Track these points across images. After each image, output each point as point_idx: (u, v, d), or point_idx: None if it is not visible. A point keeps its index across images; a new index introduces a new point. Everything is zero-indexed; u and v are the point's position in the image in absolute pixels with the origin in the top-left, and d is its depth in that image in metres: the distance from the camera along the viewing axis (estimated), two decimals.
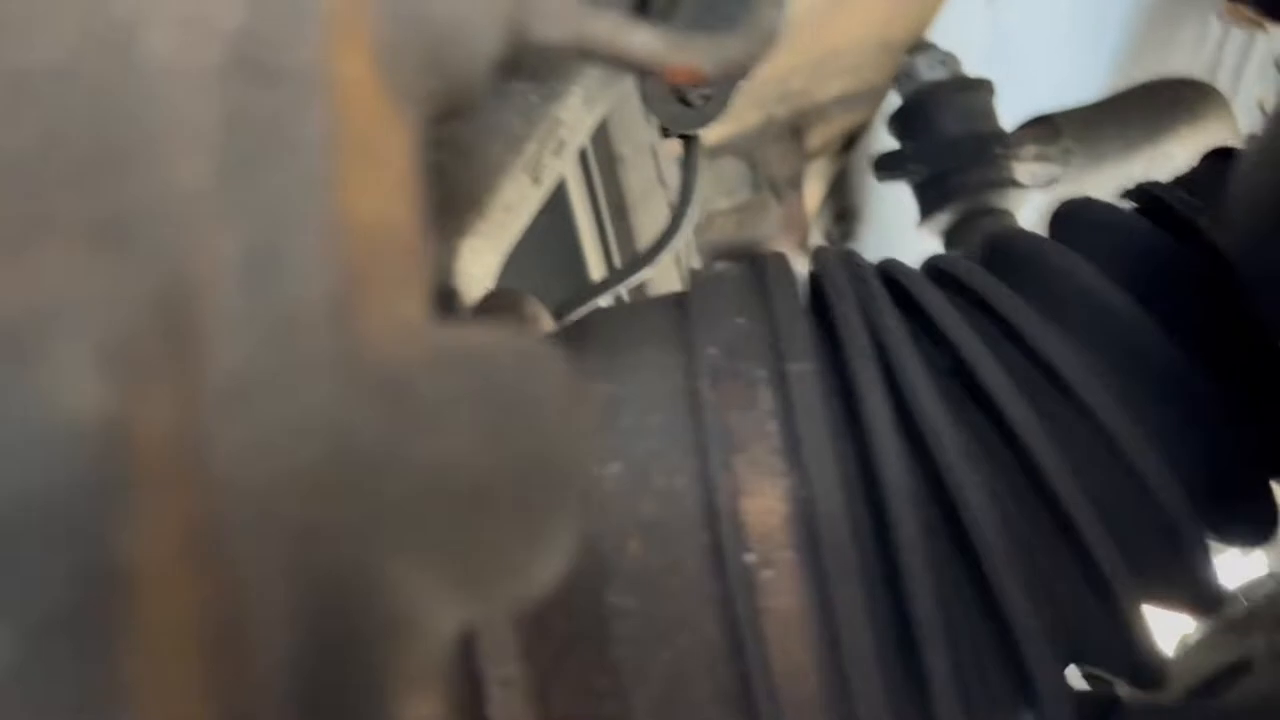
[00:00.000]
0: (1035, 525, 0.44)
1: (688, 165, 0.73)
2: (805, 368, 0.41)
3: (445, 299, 0.57)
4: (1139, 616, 0.44)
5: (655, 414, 0.42)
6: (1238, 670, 0.53)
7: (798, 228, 2.95)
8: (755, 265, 0.49)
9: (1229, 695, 0.50)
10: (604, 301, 0.75)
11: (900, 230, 1.25)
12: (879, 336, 0.46)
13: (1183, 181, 0.51)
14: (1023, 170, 0.79)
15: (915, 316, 0.48)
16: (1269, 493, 0.45)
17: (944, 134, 0.77)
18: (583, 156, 0.79)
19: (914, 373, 0.43)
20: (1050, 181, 0.87)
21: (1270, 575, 0.73)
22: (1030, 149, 0.79)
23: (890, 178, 0.80)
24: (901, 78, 0.82)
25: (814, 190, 2.23)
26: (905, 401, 0.43)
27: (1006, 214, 0.77)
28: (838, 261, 0.50)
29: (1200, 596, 0.45)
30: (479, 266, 0.62)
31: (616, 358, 0.44)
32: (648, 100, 0.70)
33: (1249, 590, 0.69)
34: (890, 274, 0.52)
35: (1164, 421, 0.44)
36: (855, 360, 0.42)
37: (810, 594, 0.40)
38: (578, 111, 0.65)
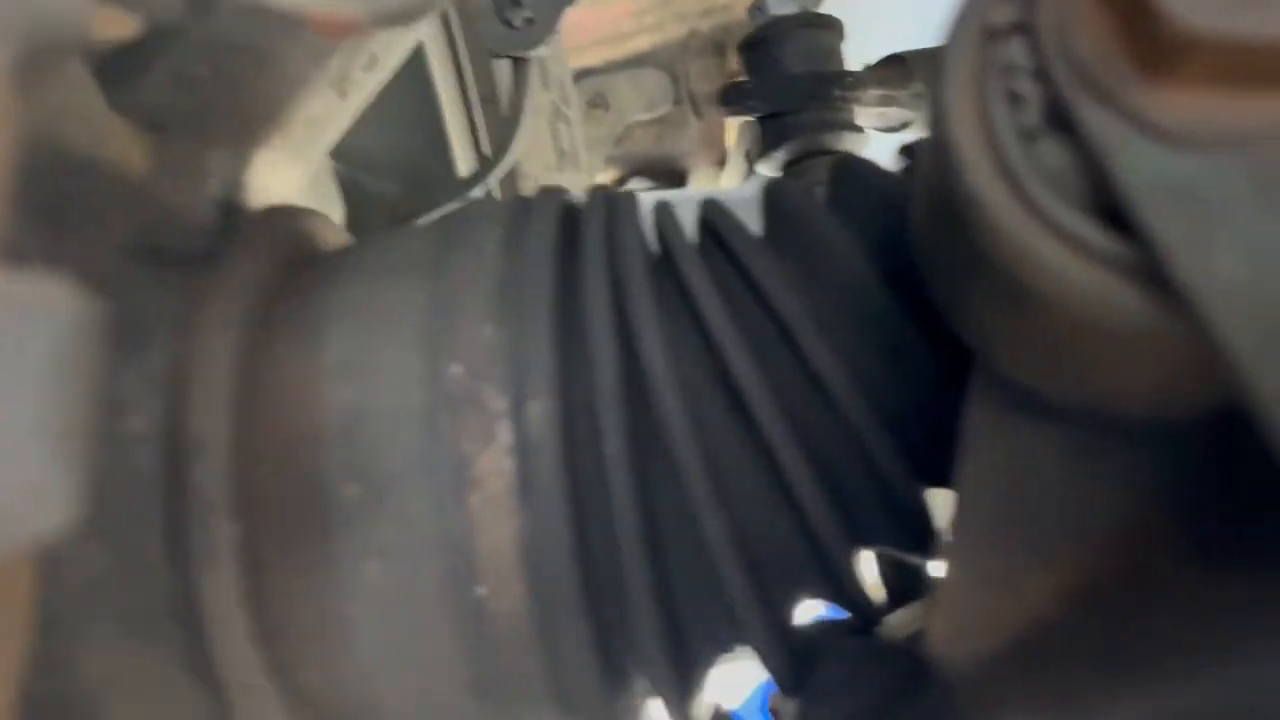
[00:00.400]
0: (770, 507, 0.47)
1: (517, 86, 0.72)
2: (544, 406, 0.42)
3: (225, 212, 0.57)
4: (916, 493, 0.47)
5: (395, 435, 0.43)
6: None
7: (716, 145, 2.92)
8: (520, 226, 0.49)
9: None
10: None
11: None
12: (625, 311, 0.47)
13: None
14: (867, 113, 0.79)
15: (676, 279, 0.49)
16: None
17: (785, 71, 0.77)
18: (453, 52, 0.77)
19: (660, 382, 0.45)
20: (904, 124, 0.87)
21: None
22: (874, 92, 0.79)
23: (734, 112, 0.80)
24: (753, 9, 0.82)
25: None
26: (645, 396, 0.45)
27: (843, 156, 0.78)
28: (598, 228, 0.50)
29: (914, 539, 0.48)
30: (277, 181, 0.61)
31: (359, 351, 0.45)
32: (469, 20, 0.70)
33: None
34: (660, 228, 0.53)
35: (885, 382, 0.46)
36: (600, 395, 0.44)
37: (537, 620, 0.43)
38: None
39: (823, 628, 0.49)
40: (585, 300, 0.47)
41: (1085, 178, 0.29)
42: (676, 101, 2.36)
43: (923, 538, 0.48)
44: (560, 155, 0.87)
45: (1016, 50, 0.30)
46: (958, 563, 0.37)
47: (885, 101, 0.81)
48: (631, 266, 0.48)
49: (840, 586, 0.48)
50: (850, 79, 0.77)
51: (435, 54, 0.70)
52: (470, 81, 0.72)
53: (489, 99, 0.72)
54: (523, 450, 0.41)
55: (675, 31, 2.18)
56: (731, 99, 0.80)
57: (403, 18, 0.33)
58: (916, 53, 0.86)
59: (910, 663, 0.42)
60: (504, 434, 0.42)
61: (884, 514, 0.48)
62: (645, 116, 2.32)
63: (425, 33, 0.68)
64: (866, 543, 0.50)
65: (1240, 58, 0.26)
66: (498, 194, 0.82)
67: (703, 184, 2.84)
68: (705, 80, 2.37)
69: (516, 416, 0.43)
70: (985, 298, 0.33)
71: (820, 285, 0.49)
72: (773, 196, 0.54)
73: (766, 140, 0.79)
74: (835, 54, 0.79)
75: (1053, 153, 0.29)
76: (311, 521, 0.44)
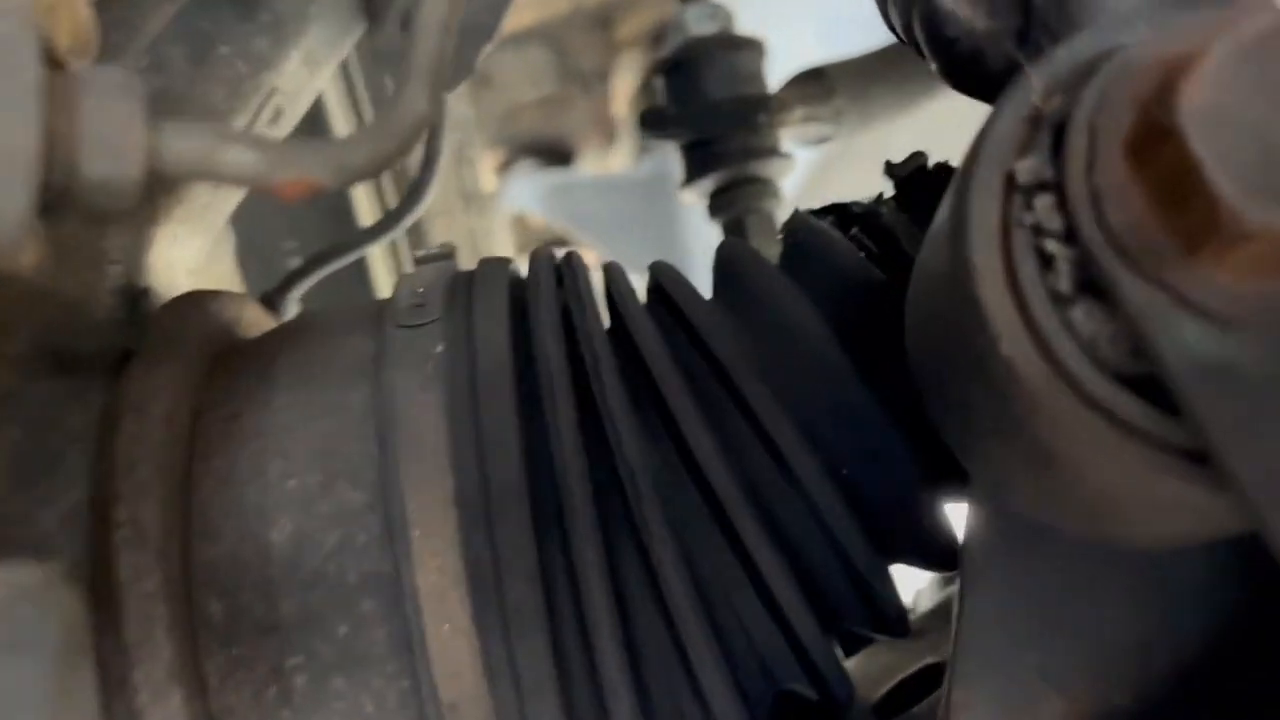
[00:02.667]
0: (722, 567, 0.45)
1: (431, 133, 0.68)
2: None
3: (132, 299, 0.52)
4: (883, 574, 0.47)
5: (344, 570, 0.40)
6: (929, 677, 0.55)
7: (605, 123, 2.87)
8: (467, 336, 0.46)
9: (916, 710, 0.52)
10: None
11: None
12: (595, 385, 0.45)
13: (910, 189, 0.50)
14: (790, 133, 0.77)
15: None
16: (937, 516, 0.47)
17: (708, 97, 0.75)
18: (353, 100, 0.73)
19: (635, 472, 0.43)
20: (821, 140, 0.86)
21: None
22: (798, 111, 0.77)
23: (656, 136, 0.77)
24: (671, 29, 0.79)
25: (625, 84, 2.18)
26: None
27: (769, 184, 0.76)
28: (548, 293, 0.48)
29: (883, 619, 0.47)
30: (181, 252, 0.56)
31: (304, 483, 0.41)
32: (370, 65, 0.65)
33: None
34: (610, 291, 0.50)
35: (854, 468, 0.45)
36: (571, 521, 0.42)
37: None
38: (298, 75, 0.59)
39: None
40: (551, 421, 0.44)
41: (1123, 346, 0.28)
42: (563, 80, 2.31)
43: (892, 617, 0.48)
44: (465, 199, 0.83)
45: (1044, 209, 0.28)
46: (969, 688, 0.37)
47: (808, 120, 0.80)
48: (602, 367, 0.46)
49: (815, 673, 0.47)
50: (774, 102, 0.75)
51: (335, 102, 0.65)
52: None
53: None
54: (478, 577, 0.39)
55: (559, 4, 2.12)
56: (652, 124, 0.77)
57: (370, 173, 0.29)
58: (836, 66, 0.85)
59: None
60: (452, 564, 0.39)
61: (853, 595, 0.47)
62: (531, 95, 2.27)
63: (325, 86, 0.63)
64: (840, 626, 0.49)
65: None
66: (404, 244, 0.78)
67: (592, 163, 2.80)
68: (591, 56, 2.32)
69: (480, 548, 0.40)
70: (1008, 451, 0.32)
71: (783, 365, 0.48)
72: (727, 266, 0.52)
73: (691, 168, 0.77)
74: (757, 76, 0.77)
75: (1087, 318, 0.28)
76: (257, 652, 0.41)
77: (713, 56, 0.75)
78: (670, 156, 0.90)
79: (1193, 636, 0.35)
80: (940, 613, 0.62)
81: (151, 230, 0.53)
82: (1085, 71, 0.30)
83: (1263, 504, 0.26)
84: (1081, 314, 0.28)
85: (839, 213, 0.52)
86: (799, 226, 0.51)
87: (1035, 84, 0.30)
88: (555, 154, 2.39)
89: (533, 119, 2.26)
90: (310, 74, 0.60)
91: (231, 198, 0.59)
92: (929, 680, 0.55)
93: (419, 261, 0.49)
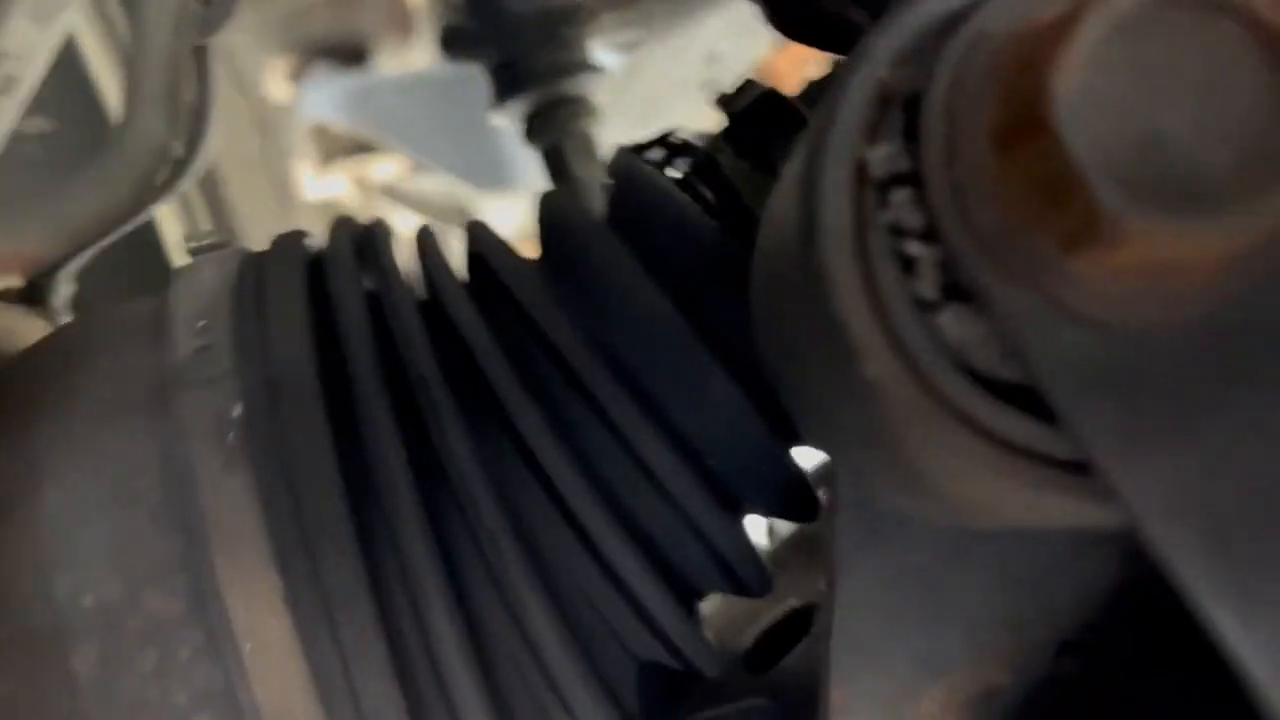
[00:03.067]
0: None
1: (200, 78, 0.60)
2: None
3: None
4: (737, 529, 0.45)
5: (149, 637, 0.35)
6: (796, 622, 0.54)
7: (401, 20, 2.68)
8: (258, 333, 0.40)
9: (786, 661, 0.51)
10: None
11: None
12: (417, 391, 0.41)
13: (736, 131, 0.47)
14: (600, 42, 0.72)
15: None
16: (787, 466, 0.45)
17: (509, 11, 0.68)
18: (114, 41, 0.63)
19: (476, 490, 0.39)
20: (633, 45, 0.81)
21: None
22: (606, 18, 0.72)
23: (460, 58, 0.70)
24: None
25: None
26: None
27: (582, 102, 0.71)
28: (354, 293, 0.43)
29: (741, 580, 0.46)
30: None
31: (91, 540, 0.35)
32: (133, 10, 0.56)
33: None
34: (428, 273, 0.46)
35: (685, 418, 0.43)
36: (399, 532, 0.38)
37: None
38: (28, 35, 0.50)
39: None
40: (365, 419, 0.40)
41: (995, 350, 0.25)
42: None
43: (752, 580, 0.47)
44: (258, 125, 0.74)
45: (902, 204, 0.25)
46: (845, 687, 0.35)
47: (620, 24, 0.74)
48: (417, 354, 0.41)
49: (671, 646, 0.45)
50: (581, 14, 0.69)
51: (91, 46, 0.56)
52: None
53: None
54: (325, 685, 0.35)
55: None
56: (453, 43, 0.70)
57: (111, 228, 0.23)
58: None
59: None
60: (294, 675, 0.35)
61: (706, 561, 0.46)
62: None
63: (75, 23, 0.54)
64: (699, 591, 0.48)
65: (1177, 254, 0.22)
66: (197, 199, 0.70)
67: (389, 63, 2.65)
68: None
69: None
70: (875, 459, 0.29)
71: (617, 332, 0.44)
72: (552, 229, 0.48)
73: (499, 90, 0.71)
74: None
75: (955, 323, 0.25)
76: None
77: None
78: None
79: (1066, 606, 0.34)
80: (799, 546, 0.61)
81: None
82: (938, 34, 0.26)
83: (1149, 518, 0.24)
84: (949, 319, 0.25)
85: (669, 150, 0.48)
86: (628, 174, 0.47)
87: (880, 53, 0.26)
88: (350, 54, 2.24)
89: (322, 18, 2.10)
90: (41, 28, 0.51)
91: None
92: (796, 625, 0.54)
93: (191, 253, 0.42)
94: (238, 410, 0.36)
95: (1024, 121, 0.22)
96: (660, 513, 0.44)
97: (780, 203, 0.31)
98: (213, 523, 0.35)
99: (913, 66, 0.26)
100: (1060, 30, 0.22)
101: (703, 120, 0.50)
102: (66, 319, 0.62)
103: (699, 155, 0.45)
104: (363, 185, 2.35)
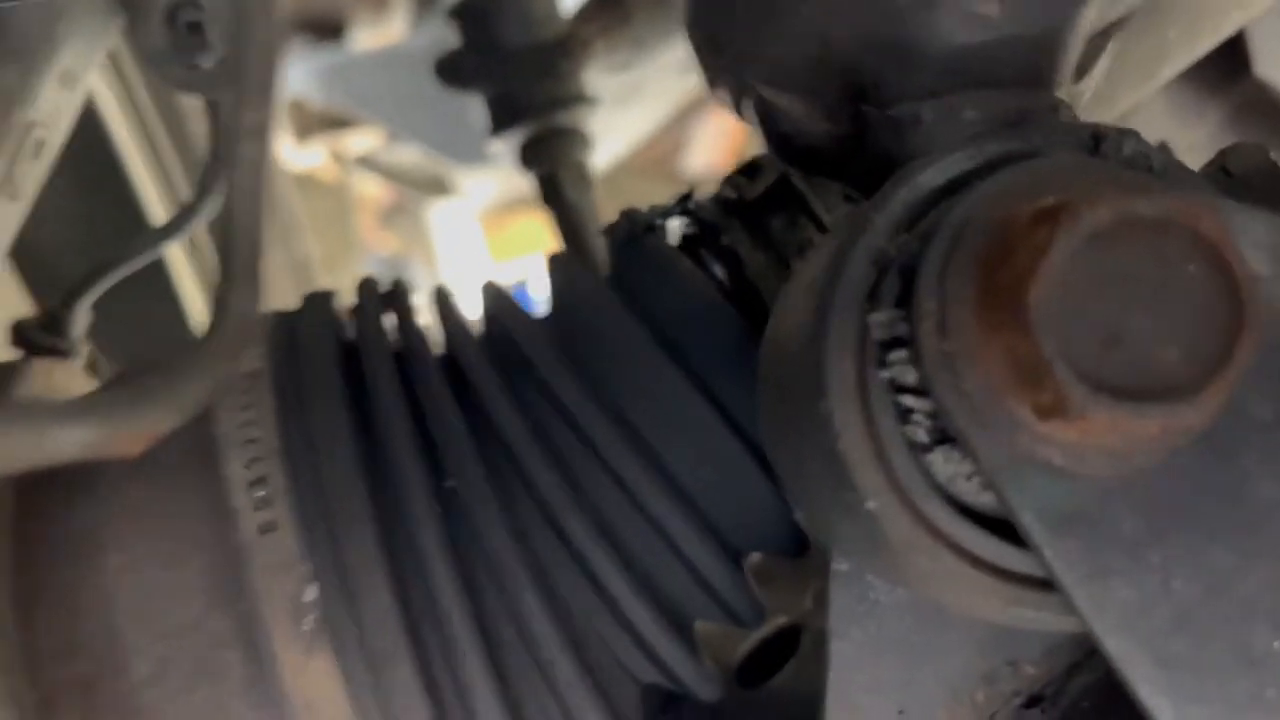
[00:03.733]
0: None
1: (214, 127, 0.62)
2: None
3: None
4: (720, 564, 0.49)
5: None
6: (786, 640, 0.59)
7: None
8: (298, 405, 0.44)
9: (777, 680, 0.56)
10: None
11: None
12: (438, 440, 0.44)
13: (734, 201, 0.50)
14: (594, 71, 0.74)
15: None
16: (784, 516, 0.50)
17: (504, 44, 0.71)
18: (130, 97, 0.65)
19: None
20: (624, 68, 0.83)
21: None
22: (598, 46, 0.74)
23: (456, 87, 0.73)
24: None
25: None
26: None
27: (577, 134, 0.74)
28: (380, 350, 0.46)
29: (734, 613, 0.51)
30: None
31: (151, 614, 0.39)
32: (148, 62, 0.58)
33: None
34: (451, 346, 0.49)
35: (685, 467, 0.47)
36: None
37: None
38: (55, 100, 0.52)
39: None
40: (402, 492, 0.44)
41: (976, 484, 0.30)
42: None
43: (747, 611, 0.51)
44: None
45: (899, 363, 0.29)
46: None
47: (609, 51, 0.77)
48: (448, 424, 0.45)
49: (671, 674, 0.50)
50: (574, 44, 0.72)
51: (109, 105, 0.58)
52: (156, 126, 0.61)
53: (181, 142, 0.62)
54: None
55: None
56: (449, 74, 0.73)
57: (217, 396, 0.27)
58: None
59: None
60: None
61: (704, 598, 0.50)
62: None
63: (93, 84, 0.57)
64: (691, 619, 0.52)
65: (1129, 431, 0.26)
66: (205, 241, 0.72)
67: (365, 38, 2.62)
68: None
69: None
70: (871, 559, 0.34)
71: (616, 384, 0.48)
72: (561, 284, 0.52)
73: (496, 121, 0.74)
74: (553, 15, 0.73)
75: (943, 463, 0.29)
76: None
77: (504, 1, 0.71)
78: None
79: (1034, 661, 0.39)
80: (787, 562, 0.65)
81: None
82: (927, 207, 0.30)
83: (1103, 631, 0.28)
84: (938, 459, 0.30)
85: (677, 215, 0.52)
86: (634, 239, 0.51)
87: (881, 225, 0.30)
88: (325, 28, 2.22)
89: None
90: (69, 91, 0.53)
91: (3, 235, 0.53)
92: (785, 642, 0.58)
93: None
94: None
95: (1004, 313, 0.26)
96: (662, 556, 0.48)
97: (790, 311, 0.35)
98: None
99: (908, 237, 0.30)
100: (1037, 237, 0.26)
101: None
102: (84, 349, 0.65)
103: (707, 228, 0.48)
104: (339, 158, 2.36)
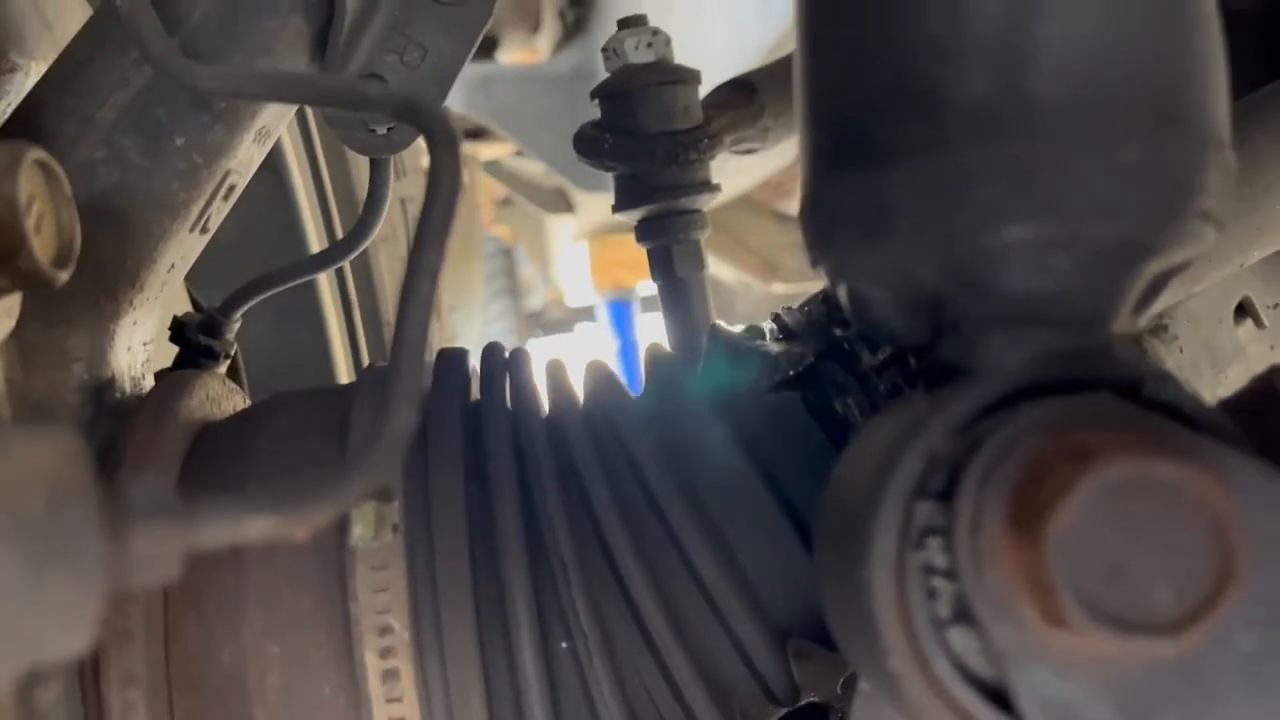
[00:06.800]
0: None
1: (374, 183, 0.70)
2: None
3: (97, 392, 0.54)
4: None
5: None
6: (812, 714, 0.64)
7: (528, 11, 2.75)
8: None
9: None
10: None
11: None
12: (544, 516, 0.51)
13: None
14: (722, 154, 0.80)
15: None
16: None
17: (642, 130, 0.77)
18: (309, 148, 0.74)
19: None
20: (747, 152, 0.89)
21: None
22: (730, 136, 0.80)
23: (591, 162, 0.79)
24: (609, 53, 0.80)
25: None
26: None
27: (697, 215, 0.80)
28: (502, 433, 0.53)
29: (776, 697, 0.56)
30: (139, 336, 0.58)
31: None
32: (333, 126, 0.66)
33: None
34: (554, 428, 0.56)
35: (753, 561, 0.53)
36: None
37: None
38: (250, 151, 0.60)
39: None
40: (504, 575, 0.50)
41: (984, 661, 0.34)
42: None
43: (786, 694, 0.57)
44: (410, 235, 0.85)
45: (935, 549, 0.34)
46: None
47: (738, 141, 0.83)
48: (551, 504, 0.52)
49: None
50: (705, 139, 0.77)
51: (291, 150, 0.66)
52: (325, 174, 0.69)
53: (344, 189, 0.70)
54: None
55: None
56: (587, 150, 0.79)
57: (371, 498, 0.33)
58: (762, 76, 0.87)
59: None
60: None
61: (749, 678, 0.56)
62: None
63: (283, 128, 0.64)
64: (733, 692, 0.58)
65: (1121, 654, 0.31)
66: (348, 271, 0.81)
67: (515, 53, 2.70)
68: None
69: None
70: (889, 702, 0.39)
71: (701, 481, 0.54)
72: (660, 380, 0.58)
73: (622, 197, 0.80)
74: (692, 108, 0.79)
75: (960, 639, 0.34)
76: None
77: (648, 92, 0.77)
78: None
79: None
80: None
81: (114, 325, 0.55)
82: (978, 419, 0.35)
83: None
84: (956, 634, 0.35)
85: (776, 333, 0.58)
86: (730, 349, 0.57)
87: (936, 429, 0.35)
88: (482, 43, 2.31)
89: None
90: (262, 146, 0.61)
91: (188, 263, 0.61)
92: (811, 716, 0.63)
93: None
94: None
95: (1025, 534, 0.31)
96: (716, 636, 0.54)
97: (851, 476, 0.40)
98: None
99: (958, 442, 0.35)
100: (1062, 475, 0.31)
101: None
102: (231, 350, 0.74)
103: (803, 355, 0.54)
104: (468, 161, 2.46)
